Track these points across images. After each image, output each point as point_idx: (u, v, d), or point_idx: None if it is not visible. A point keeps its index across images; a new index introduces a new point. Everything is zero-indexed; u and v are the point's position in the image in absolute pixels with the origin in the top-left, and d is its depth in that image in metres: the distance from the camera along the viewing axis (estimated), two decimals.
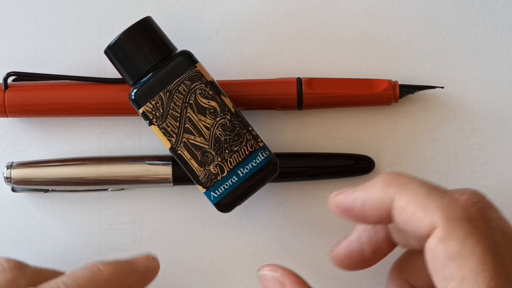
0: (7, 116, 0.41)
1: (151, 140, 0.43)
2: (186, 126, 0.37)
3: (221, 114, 0.37)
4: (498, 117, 0.44)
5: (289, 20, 0.44)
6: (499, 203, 0.43)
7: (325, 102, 0.42)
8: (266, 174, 0.38)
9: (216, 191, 0.38)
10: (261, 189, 0.39)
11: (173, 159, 0.40)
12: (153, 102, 0.37)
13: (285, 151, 0.43)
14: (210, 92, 0.37)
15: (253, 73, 0.43)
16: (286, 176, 0.41)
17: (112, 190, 0.42)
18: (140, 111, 0.37)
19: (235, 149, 0.37)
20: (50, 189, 0.42)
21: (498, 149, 0.44)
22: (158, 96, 0.37)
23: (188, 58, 0.38)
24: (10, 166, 0.41)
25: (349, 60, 0.44)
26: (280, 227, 0.43)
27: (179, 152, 0.37)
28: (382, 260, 0.37)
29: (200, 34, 0.44)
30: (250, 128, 0.38)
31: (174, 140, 0.37)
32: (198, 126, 0.37)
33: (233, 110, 0.37)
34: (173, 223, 0.43)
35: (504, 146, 0.44)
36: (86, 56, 0.43)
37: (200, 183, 0.38)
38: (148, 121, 0.37)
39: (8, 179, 0.41)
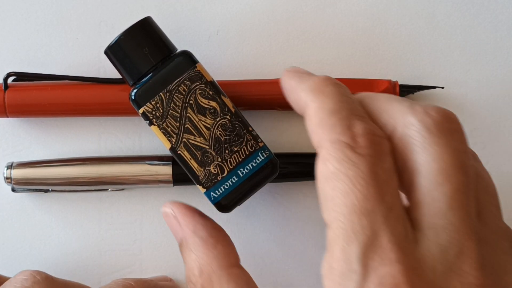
0: (7, 116, 0.41)
1: (151, 140, 0.43)
2: (186, 126, 0.37)
3: (221, 114, 0.37)
4: (498, 117, 0.44)
5: (289, 20, 0.44)
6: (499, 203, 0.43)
7: None
8: (266, 174, 0.38)
9: (216, 191, 0.38)
10: (261, 189, 0.39)
11: (173, 159, 0.40)
12: (153, 102, 0.37)
13: (285, 151, 0.43)
14: (210, 92, 0.37)
15: (253, 73, 0.43)
16: (286, 176, 0.41)
17: (112, 190, 0.42)
18: (140, 111, 0.37)
19: (235, 149, 0.37)
20: (50, 189, 0.42)
21: (498, 149, 0.44)
22: (158, 96, 0.37)
23: (188, 58, 0.38)
24: (10, 166, 0.41)
25: (349, 60, 0.44)
26: (280, 227, 0.43)
27: (179, 152, 0.37)
28: None
29: (200, 34, 0.44)
30: (250, 128, 0.38)
31: (174, 140, 0.37)
32: (198, 126, 0.37)
33: (233, 110, 0.38)
34: None
35: (504, 146, 0.44)
36: (86, 56, 0.43)
37: (200, 183, 0.38)
38: (148, 121, 0.37)
39: (8, 179, 0.41)
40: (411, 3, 0.44)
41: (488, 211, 0.33)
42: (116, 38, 0.37)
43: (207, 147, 0.37)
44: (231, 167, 0.37)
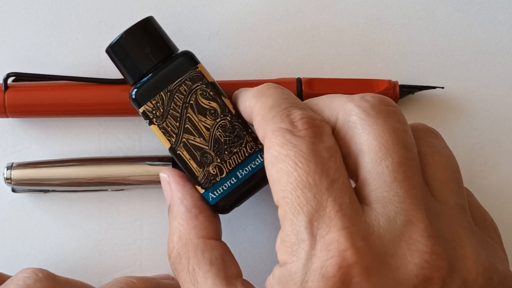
0: (7, 117, 0.41)
1: (151, 140, 0.43)
2: (186, 126, 0.37)
3: (221, 115, 0.37)
4: (498, 117, 0.44)
5: (289, 20, 0.44)
6: (499, 203, 0.43)
7: None
8: (265, 176, 0.37)
9: (215, 192, 0.37)
10: (261, 189, 0.39)
11: (173, 160, 0.40)
12: (153, 102, 0.37)
13: None
14: (211, 93, 0.37)
15: (253, 73, 0.43)
16: None
17: (112, 190, 0.42)
18: (140, 110, 0.37)
19: (235, 150, 0.37)
20: (50, 190, 0.42)
21: (498, 149, 0.44)
22: (159, 96, 0.37)
23: (189, 59, 0.38)
24: (10, 167, 0.41)
25: (349, 60, 0.44)
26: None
27: (178, 152, 0.37)
28: None
29: (200, 34, 0.44)
30: (250, 130, 0.38)
31: (174, 140, 0.37)
32: (198, 127, 0.37)
33: (233, 111, 0.37)
34: None
35: (504, 146, 0.44)
36: (86, 56, 0.43)
37: (199, 184, 0.37)
38: (148, 121, 0.37)
39: (8, 180, 0.41)
40: (411, 3, 0.44)
41: (446, 187, 0.34)
42: (118, 37, 0.37)
43: (207, 147, 0.37)
44: (230, 168, 0.37)
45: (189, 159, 0.37)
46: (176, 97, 0.37)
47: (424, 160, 0.34)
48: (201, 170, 0.37)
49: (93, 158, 0.42)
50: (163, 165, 0.41)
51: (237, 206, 0.38)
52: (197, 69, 0.37)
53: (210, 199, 0.38)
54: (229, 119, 0.37)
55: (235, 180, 0.37)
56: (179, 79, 0.37)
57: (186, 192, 0.37)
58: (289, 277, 0.31)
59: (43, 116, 0.42)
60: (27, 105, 0.41)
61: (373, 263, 0.30)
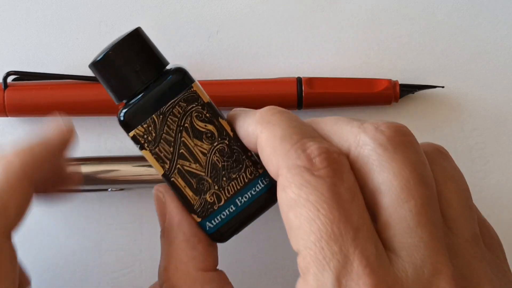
0: (7, 116, 0.41)
1: None
2: (180, 151, 0.34)
3: (219, 139, 0.34)
4: (498, 117, 0.44)
5: (289, 20, 0.44)
6: (499, 203, 0.43)
7: (325, 101, 0.42)
8: (266, 202, 0.35)
9: (212, 221, 0.35)
10: (261, 215, 0.37)
11: None
12: (144, 126, 0.33)
13: None
14: (208, 114, 0.34)
15: (253, 73, 0.43)
16: None
17: (112, 190, 0.42)
18: (130, 135, 0.34)
19: (234, 176, 0.34)
20: None
21: (498, 149, 0.44)
22: (151, 119, 0.33)
23: (183, 77, 0.34)
24: None
25: (349, 60, 0.44)
26: (280, 227, 0.43)
27: (172, 179, 0.34)
28: None
29: (200, 34, 0.44)
30: (249, 154, 0.34)
31: (167, 166, 0.34)
32: (194, 152, 0.34)
33: (231, 134, 0.34)
34: None
35: (504, 146, 0.44)
36: (86, 56, 0.43)
37: (194, 212, 0.35)
38: (139, 145, 0.34)
39: None
40: (411, 3, 0.44)
41: (461, 216, 0.32)
42: (103, 53, 0.34)
43: (203, 174, 0.34)
44: (228, 196, 0.34)
45: (184, 186, 0.34)
46: (170, 120, 0.34)
47: (438, 187, 0.32)
48: (197, 198, 0.34)
49: (92, 157, 0.42)
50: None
51: (236, 234, 0.36)
52: (192, 89, 0.34)
53: (207, 229, 0.35)
54: (227, 142, 0.34)
55: (234, 208, 0.35)
56: (173, 100, 0.34)
57: (185, 217, 0.35)
58: None
59: (43, 115, 0.42)
60: (26, 104, 0.41)
61: None
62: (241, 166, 0.34)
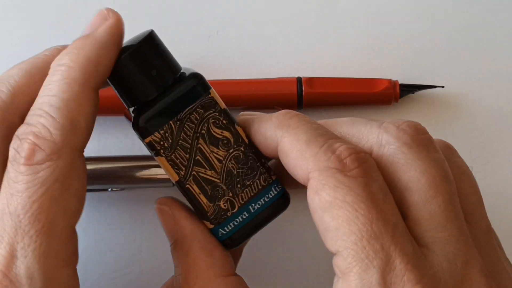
0: None
1: None
2: (196, 158, 0.34)
3: (235, 146, 0.34)
4: (498, 117, 0.44)
5: (289, 20, 0.44)
6: (499, 203, 0.43)
7: (325, 101, 0.42)
8: (278, 209, 0.35)
9: (225, 228, 0.34)
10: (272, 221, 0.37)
11: None
12: (161, 132, 0.33)
13: None
14: (224, 121, 0.34)
15: (253, 73, 0.43)
16: None
17: (112, 190, 0.42)
18: (146, 140, 0.33)
19: (248, 183, 0.34)
20: None
21: (498, 149, 0.44)
22: (168, 125, 0.33)
23: (202, 83, 0.33)
24: None
25: (349, 60, 0.44)
26: (280, 227, 0.43)
27: (187, 186, 0.34)
28: None
29: (200, 34, 0.44)
30: (263, 160, 0.34)
31: (183, 173, 0.34)
32: (210, 159, 0.34)
33: (246, 140, 0.34)
34: None
35: (504, 146, 0.44)
36: None
37: (207, 219, 0.34)
38: (154, 152, 0.33)
39: None
40: (411, 3, 0.44)
41: (477, 210, 0.33)
42: (119, 57, 0.33)
43: (218, 181, 0.34)
44: (242, 203, 0.34)
45: (199, 193, 0.34)
46: (187, 127, 0.33)
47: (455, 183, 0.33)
48: (212, 205, 0.34)
49: (92, 157, 0.42)
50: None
51: (247, 240, 0.36)
52: (209, 95, 0.33)
53: (219, 235, 0.35)
54: (243, 149, 0.34)
55: (247, 215, 0.35)
56: (191, 107, 0.33)
57: (197, 226, 0.35)
58: None
59: None
60: None
61: None
62: (255, 173, 0.34)
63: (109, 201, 0.43)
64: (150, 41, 0.33)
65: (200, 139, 0.33)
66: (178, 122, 0.33)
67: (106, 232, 0.43)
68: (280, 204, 0.35)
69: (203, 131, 0.33)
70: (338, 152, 0.30)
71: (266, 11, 0.44)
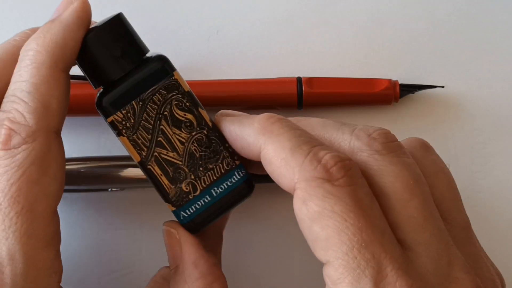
0: None
1: None
2: (158, 139, 0.34)
3: (198, 128, 0.34)
4: (498, 117, 0.44)
5: (289, 20, 0.44)
6: (499, 203, 0.43)
7: (325, 101, 0.42)
8: (241, 194, 0.35)
9: (187, 211, 0.35)
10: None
11: None
12: (123, 112, 0.33)
13: None
14: (187, 103, 0.34)
15: (253, 73, 0.43)
16: None
17: (112, 190, 0.42)
18: (108, 120, 0.34)
19: (210, 166, 0.34)
20: None
21: (498, 149, 0.44)
22: (130, 105, 0.33)
23: (165, 65, 0.34)
24: None
25: (349, 60, 0.44)
26: (280, 227, 0.43)
27: (149, 167, 0.34)
28: None
29: (200, 34, 0.44)
30: (227, 145, 0.34)
31: (144, 154, 0.34)
32: (172, 140, 0.34)
33: (210, 124, 0.34)
34: None
35: (504, 146, 0.44)
36: None
37: (169, 201, 0.35)
38: (116, 131, 0.34)
39: None
40: (411, 3, 0.44)
41: (454, 207, 0.33)
42: (84, 38, 0.34)
43: (180, 163, 0.34)
44: (204, 186, 0.34)
45: (161, 175, 0.34)
46: (149, 107, 0.33)
47: (429, 181, 0.33)
48: (173, 187, 0.34)
49: (92, 157, 0.42)
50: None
51: (209, 225, 0.36)
52: (173, 77, 0.34)
53: (181, 218, 0.35)
54: (206, 132, 0.34)
55: (209, 199, 0.35)
56: (153, 88, 0.33)
57: (200, 255, 0.35)
58: None
59: None
60: None
61: None
62: (218, 156, 0.34)
63: (109, 201, 0.43)
64: (116, 23, 0.34)
65: (163, 120, 0.34)
66: (140, 103, 0.33)
67: (106, 232, 0.43)
68: (244, 189, 0.35)
69: (165, 113, 0.34)
70: (323, 161, 0.30)
71: (266, 11, 0.44)
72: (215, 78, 0.40)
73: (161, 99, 0.33)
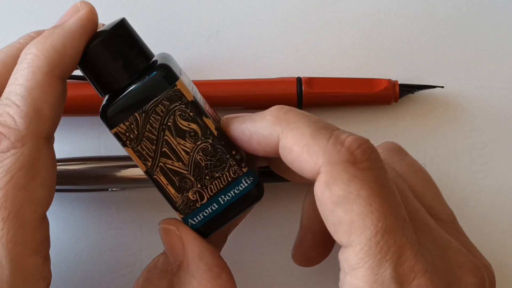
0: None
1: None
2: (163, 150, 0.34)
3: (202, 138, 0.34)
4: (498, 117, 0.44)
5: (289, 20, 0.44)
6: (499, 203, 0.43)
7: (325, 101, 0.42)
8: (250, 201, 0.35)
9: (195, 219, 0.35)
10: (244, 213, 0.37)
11: None
12: (127, 124, 0.33)
13: None
14: (191, 113, 0.33)
15: (253, 73, 0.43)
16: None
17: (112, 190, 0.42)
18: (113, 132, 0.33)
19: (217, 175, 0.34)
20: None
21: (498, 149, 0.44)
22: (133, 117, 0.33)
23: (167, 75, 0.33)
24: None
25: (349, 60, 0.44)
26: (280, 227, 0.43)
27: (154, 177, 0.34)
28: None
29: (200, 34, 0.44)
30: (233, 152, 0.34)
31: (150, 164, 0.34)
32: (177, 150, 0.34)
33: (215, 133, 0.34)
34: None
35: (504, 146, 0.44)
36: None
37: (177, 209, 0.35)
38: (121, 142, 0.34)
39: None
40: (411, 3, 0.44)
41: (436, 202, 0.34)
42: (88, 46, 0.33)
43: (186, 172, 0.34)
44: (211, 194, 0.34)
45: (167, 184, 0.34)
46: (152, 119, 0.33)
47: (409, 181, 0.34)
48: (180, 195, 0.34)
49: (93, 157, 0.42)
50: None
51: (219, 231, 0.36)
52: (175, 87, 0.33)
53: (190, 225, 0.35)
54: (211, 141, 0.34)
55: (216, 206, 0.35)
56: (155, 99, 0.33)
57: (204, 247, 0.34)
58: None
59: None
60: None
61: None
62: (224, 165, 0.34)
63: (109, 201, 0.43)
64: (119, 30, 0.33)
65: (167, 131, 0.33)
66: (143, 114, 0.33)
67: (106, 232, 0.43)
68: (252, 196, 0.35)
69: (169, 123, 0.33)
70: (347, 143, 0.30)
71: (266, 11, 0.44)
72: (215, 78, 0.40)
73: (164, 110, 0.33)
